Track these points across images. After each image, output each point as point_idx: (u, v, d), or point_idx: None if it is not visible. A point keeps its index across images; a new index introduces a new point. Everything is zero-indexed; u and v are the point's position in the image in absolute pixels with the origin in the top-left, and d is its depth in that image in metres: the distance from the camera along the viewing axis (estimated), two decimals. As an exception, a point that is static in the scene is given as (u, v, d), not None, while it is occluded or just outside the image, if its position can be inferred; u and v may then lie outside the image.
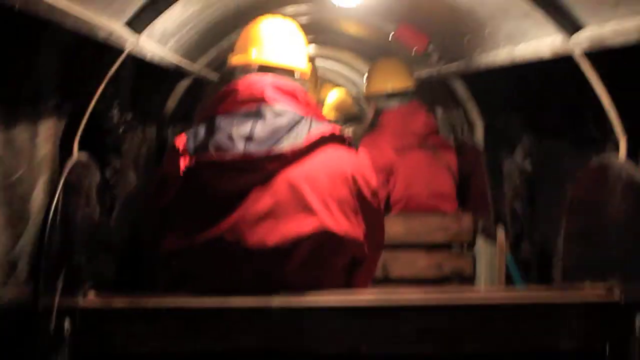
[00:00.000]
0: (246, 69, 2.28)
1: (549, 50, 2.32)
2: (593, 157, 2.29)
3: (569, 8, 2.09)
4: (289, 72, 2.30)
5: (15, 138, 1.78)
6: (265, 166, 1.98)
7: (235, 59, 2.33)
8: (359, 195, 2.08)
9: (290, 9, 3.92)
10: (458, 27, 3.14)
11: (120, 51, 2.13)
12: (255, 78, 2.18)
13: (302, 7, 3.97)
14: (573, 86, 2.49)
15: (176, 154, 2.07)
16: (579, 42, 2.10)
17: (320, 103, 6.91)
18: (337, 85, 8.60)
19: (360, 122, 6.34)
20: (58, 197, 1.92)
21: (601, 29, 1.96)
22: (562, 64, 2.24)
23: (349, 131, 5.97)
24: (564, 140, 2.84)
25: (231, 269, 1.99)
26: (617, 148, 2.19)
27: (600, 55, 2.09)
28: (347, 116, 6.47)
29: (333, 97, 6.61)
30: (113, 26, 1.91)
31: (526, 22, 2.39)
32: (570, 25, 2.12)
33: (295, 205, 1.97)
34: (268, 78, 2.18)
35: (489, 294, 2.18)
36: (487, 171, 3.76)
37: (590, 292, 2.09)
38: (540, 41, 2.39)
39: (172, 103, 3.72)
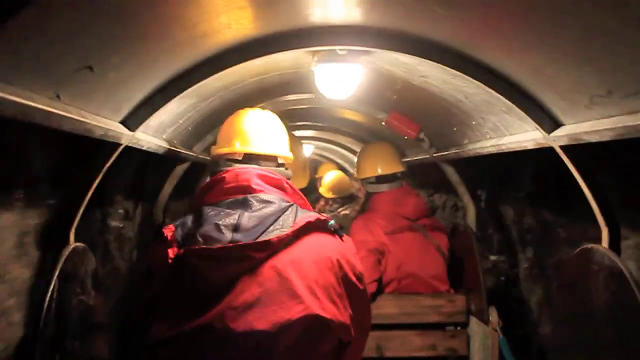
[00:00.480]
0: (231, 159, 2.36)
1: (531, 143, 2.41)
2: (580, 244, 2.36)
3: (547, 107, 2.18)
4: (272, 160, 2.38)
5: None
6: (253, 255, 2.02)
7: (219, 150, 2.40)
8: (344, 279, 2.13)
9: (284, 98, 4.03)
10: (446, 117, 3.24)
11: (117, 145, 2.21)
12: (241, 169, 2.26)
13: (295, 97, 4.08)
14: (558, 175, 2.58)
15: (164, 243, 2.12)
16: (558, 138, 2.19)
17: (318, 182, 6.99)
18: (335, 164, 8.71)
19: (357, 202, 6.40)
20: (53, 286, 1.98)
21: (577, 128, 2.05)
22: (546, 154, 2.33)
23: (348, 212, 6.03)
24: (552, 226, 2.91)
25: (220, 356, 2.01)
26: (600, 236, 2.26)
27: (579, 151, 2.19)
28: (343, 196, 6.54)
29: (330, 177, 6.70)
30: (108, 125, 2.00)
31: (508, 116, 2.49)
32: (550, 121, 2.22)
33: (283, 292, 2.01)
34: (254, 168, 2.26)
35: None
36: (479, 253, 3.80)
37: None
38: (523, 135, 2.48)
39: (169, 187, 3.79)
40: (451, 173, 4.10)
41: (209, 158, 4.11)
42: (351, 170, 8.79)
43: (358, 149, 7.21)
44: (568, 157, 2.25)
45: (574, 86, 1.90)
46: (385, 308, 3.74)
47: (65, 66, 1.49)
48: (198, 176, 4.54)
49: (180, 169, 3.77)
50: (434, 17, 2.02)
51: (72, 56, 1.48)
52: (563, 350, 2.43)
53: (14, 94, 1.30)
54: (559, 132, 2.20)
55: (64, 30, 1.36)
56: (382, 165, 4.19)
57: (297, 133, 6.28)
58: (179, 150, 3.18)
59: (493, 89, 2.29)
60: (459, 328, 3.93)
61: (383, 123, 4.12)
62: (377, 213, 4.05)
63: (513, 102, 2.28)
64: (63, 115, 1.58)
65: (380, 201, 4.10)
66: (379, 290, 3.86)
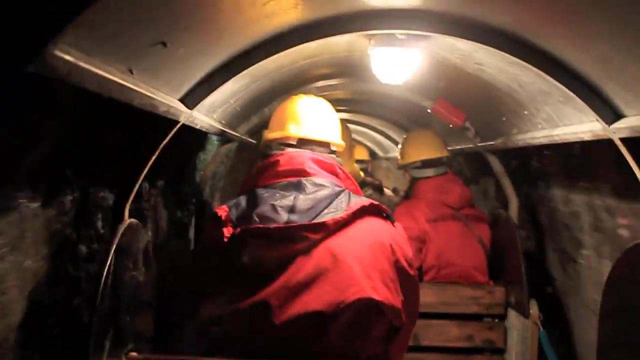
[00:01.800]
0: (284, 143, 2.37)
1: (588, 134, 2.38)
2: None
3: (609, 97, 2.15)
4: (325, 146, 2.39)
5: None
6: (309, 236, 2.03)
7: (273, 134, 2.42)
8: (396, 264, 2.13)
9: (331, 82, 4.02)
10: (496, 106, 3.21)
11: (175, 122, 2.22)
12: (296, 152, 2.27)
13: (341, 80, 4.07)
14: (613, 167, 2.54)
15: (219, 222, 2.13)
16: (619, 130, 2.16)
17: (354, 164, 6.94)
18: (366, 147, 8.67)
19: (370, 186, 6.38)
20: (110, 260, 2.00)
21: (641, 120, 2.02)
22: (602, 145, 2.31)
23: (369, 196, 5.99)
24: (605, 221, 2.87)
25: (274, 335, 2.03)
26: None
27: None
28: (362, 180, 6.50)
29: None
30: (171, 102, 2.01)
31: (565, 106, 2.46)
32: (610, 112, 2.18)
33: (338, 274, 2.01)
34: (308, 152, 2.27)
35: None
36: (521, 245, 3.77)
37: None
38: (580, 126, 2.45)
39: (212, 167, 3.80)
40: (495, 163, 4.06)
41: (252, 140, 4.17)
42: (380, 153, 8.77)
43: (392, 134, 7.24)
44: (628, 149, 2.21)
45: (641, 77, 1.87)
46: (424, 297, 3.68)
47: (141, 41, 1.49)
48: (242, 156, 4.55)
49: (225, 149, 3.78)
50: (498, 2, 2.00)
51: (150, 31, 1.49)
52: (610, 349, 2.39)
53: (95, 66, 1.30)
54: (620, 124, 2.16)
55: (144, 3, 1.37)
56: (427, 149, 4.19)
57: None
58: (227, 130, 3.19)
59: (553, 77, 2.25)
60: (497, 320, 3.91)
61: (429, 110, 4.09)
62: (420, 200, 4.04)
63: (573, 92, 2.24)
64: (135, 90, 1.59)
65: (425, 188, 4.09)
66: (419, 278, 3.85)
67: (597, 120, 2.24)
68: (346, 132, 3.65)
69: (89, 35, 1.25)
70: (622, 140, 2.21)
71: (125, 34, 1.42)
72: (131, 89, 1.56)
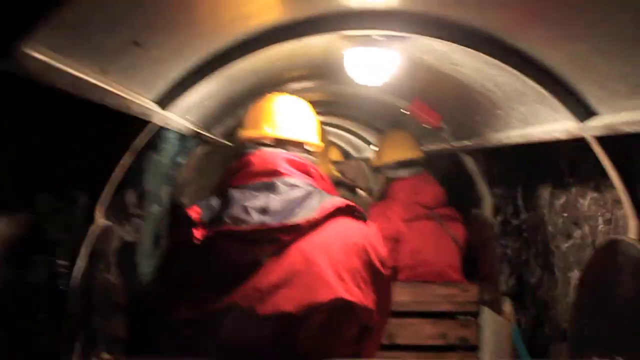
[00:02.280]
0: (258, 143, 2.35)
1: (563, 133, 2.39)
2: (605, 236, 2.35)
3: (583, 95, 2.17)
4: (300, 146, 2.37)
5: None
6: (280, 237, 2.02)
7: (247, 133, 2.39)
8: (369, 265, 2.12)
9: (305, 84, 4.00)
10: (472, 107, 3.22)
11: (147, 123, 2.19)
12: (269, 152, 2.25)
13: (317, 82, 4.06)
14: (586, 166, 2.56)
15: (189, 224, 2.11)
16: (592, 128, 2.18)
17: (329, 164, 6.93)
18: (340, 149, 8.67)
19: (343, 186, 6.38)
20: (82, 262, 1.97)
21: (614, 118, 2.03)
22: (575, 144, 2.32)
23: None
24: (576, 216, 2.89)
25: (244, 336, 2.01)
26: (627, 228, 2.25)
27: (613, 141, 2.17)
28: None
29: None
30: (145, 103, 1.98)
31: (540, 105, 2.47)
32: (584, 111, 2.20)
33: (309, 275, 2.00)
34: (281, 152, 2.25)
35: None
36: (495, 243, 3.80)
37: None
38: (554, 124, 2.46)
39: (187, 170, 3.77)
40: (470, 164, 4.08)
41: (226, 142, 4.14)
42: (355, 155, 8.78)
43: (366, 135, 7.25)
44: (601, 147, 2.23)
45: (616, 75, 1.89)
46: (398, 296, 3.69)
47: (115, 41, 1.47)
48: (215, 159, 4.52)
49: (199, 151, 3.75)
50: (476, 3, 2.00)
51: (122, 30, 1.47)
52: (584, 343, 2.41)
53: (67, 65, 1.28)
54: (593, 122, 2.18)
55: (117, 2, 1.34)
56: (401, 150, 4.21)
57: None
58: (201, 132, 3.16)
59: (528, 77, 2.27)
60: (470, 318, 3.93)
61: (404, 111, 4.10)
62: (395, 200, 4.06)
63: (548, 91, 2.26)
64: (107, 90, 1.56)
65: (399, 188, 4.11)
66: (393, 278, 3.86)
67: (570, 119, 2.26)
68: (322, 133, 3.64)
69: (61, 34, 1.23)
70: (596, 138, 2.22)
71: (98, 34, 1.40)
72: (104, 89, 1.54)
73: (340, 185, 6.31)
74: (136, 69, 1.74)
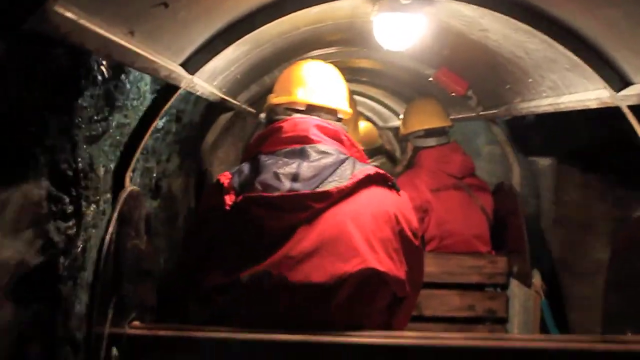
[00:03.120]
0: (290, 108, 2.33)
1: (595, 102, 2.35)
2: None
3: (617, 64, 2.12)
4: (332, 113, 2.35)
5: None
6: (312, 204, 2.01)
7: (278, 99, 2.37)
8: (401, 234, 2.12)
9: (332, 50, 3.97)
10: (499, 74, 3.17)
11: (176, 88, 2.18)
12: (300, 119, 2.23)
13: (343, 48, 4.02)
14: (619, 136, 2.51)
15: (221, 190, 2.11)
16: (627, 97, 2.13)
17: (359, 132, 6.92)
18: (364, 117, 8.63)
19: (384, 154, 6.35)
20: (112, 228, 1.97)
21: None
22: (609, 113, 2.27)
23: (377, 163, 6.00)
24: (606, 189, 2.85)
25: (276, 305, 2.01)
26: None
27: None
28: (371, 148, 6.47)
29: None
30: (172, 67, 1.97)
31: (572, 73, 2.42)
32: (619, 79, 2.15)
33: (341, 244, 2.00)
34: (312, 119, 2.23)
35: (530, 341, 2.17)
36: (524, 214, 3.76)
37: (633, 341, 2.08)
38: (586, 94, 2.41)
39: (211, 136, 3.77)
40: (498, 132, 4.03)
41: (250, 109, 4.13)
42: (380, 123, 8.73)
43: (391, 103, 7.19)
44: (636, 117, 2.18)
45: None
46: (425, 266, 3.70)
47: (142, 1, 1.45)
48: (240, 126, 4.51)
49: (223, 118, 3.74)
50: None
51: (150, -10, 1.45)
52: (616, 317, 2.39)
53: (96, 25, 1.26)
54: (628, 91, 2.13)
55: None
56: (429, 118, 4.17)
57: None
58: (227, 98, 3.15)
59: (560, 43, 2.22)
60: (498, 290, 3.91)
61: (431, 79, 4.05)
62: (422, 169, 4.03)
63: (580, 58, 2.21)
64: (136, 53, 1.55)
65: (427, 157, 4.07)
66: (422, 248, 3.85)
67: (604, 87, 2.21)
68: (352, 101, 3.62)
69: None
70: (630, 107, 2.18)
71: (126, -7, 1.38)
72: (133, 51, 1.52)
73: (382, 152, 6.31)
74: (164, 31, 1.72)
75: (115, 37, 1.39)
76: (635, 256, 2.27)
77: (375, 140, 6.59)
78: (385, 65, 4.89)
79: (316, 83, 2.36)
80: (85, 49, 1.26)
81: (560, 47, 2.24)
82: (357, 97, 8.01)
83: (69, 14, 1.12)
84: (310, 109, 2.32)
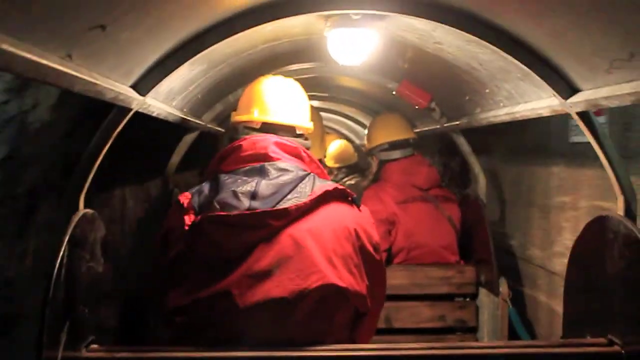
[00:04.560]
0: (249, 127, 2.33)
1: (547, 110, 2.39)
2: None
3: (565, 72, 2.15)
4: (290, 130, 2.35)
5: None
6: (270, 222, 2.00)
7: (238, 117, 2.38)
8: (361, 249, 2.11)
9: (293, 66, 3.98)
10: (459, 86, 3.20)
11: (128, 110, 2.18)
12: (259, 136, 2.23)
13: (305, 65, 4.03)
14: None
15: (180, 210, 2.10)
16: (576, 104, 2.17)
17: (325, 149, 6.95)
18: (340, 135, 8.68)
19: (361, 172, 6.39)
20: (63, 251, 1.96)
21: (596, 93, 2.02)
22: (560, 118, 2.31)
23: (353, 181, 6.02)
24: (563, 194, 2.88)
25: (236, 322, 2.00)
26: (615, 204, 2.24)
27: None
28: (348, 166, 6.51)
29: (335, 146, 6.67)
30: (119, 88, 1.96)
31: (524, 83, 2.46)
32: (567, 87, 2.19)
33: (300, 261, 1.99)
34: (271, 136, 2.23)
35: (493, 347, 2.18)
36: (489, 223, 3.79)
37: (592, 344, 2.11)
38: (539, 102, 2.45)
39: (176, 157, 3.76)
40: (462, 143, 4.06)
41: (217, 128, 4.13)
42: (357, 141, 8.77)
43: (364, 120, 7.24)
44: (584, 123, 2.22)
45: (595, 50, 1.87)
46: (394, 279, 3.72)
47: (78, 24, 1.45)
48: (206, 146, 4.50)
49: (188, 138, 3.74)
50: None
51: (85, 13, 1.44)
52: (576, 321, 2.41)
53: (25, 50, 1.26)
54: (576, 98, 2.17)
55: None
56: (393, 131, 4.19)
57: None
58: (188, 118, 3.14)
59: (510, 54, 2.26)
60: (468, 299, 3.92)
61: (394, 92, 4.08)
62: (388, 183, 4.04)
63: (530, 68, 2.25)
64: (75, 76, 1.55)
65: (392, 170, 4.09)
66: (388, 261, 3.86)
67: (554, 95, 2.25)
68: (316, 118, 3.63)
69: (16, 17, 1.21)
70: (579, 114, 2.21)
71: (60, 17, 1.37)
72: (70, 74, 1.52)
73: (357, 170, 6.33)
74: (106, 53, 1.72)
75: (49, 61, 1.38)
76: (590, 261, 2.29)
77: (351, 157, 6.62)
78: (349, 80, 4.91)
79: (273, 100, 2.36)
80: (14, 72, 1.26)
81: (511, 58, 2.27)
82: (331, 116, 8.06)
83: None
84: (267, 127, 2.32)
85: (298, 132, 2.38)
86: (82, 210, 2.18)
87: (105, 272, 2.33)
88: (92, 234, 2.25)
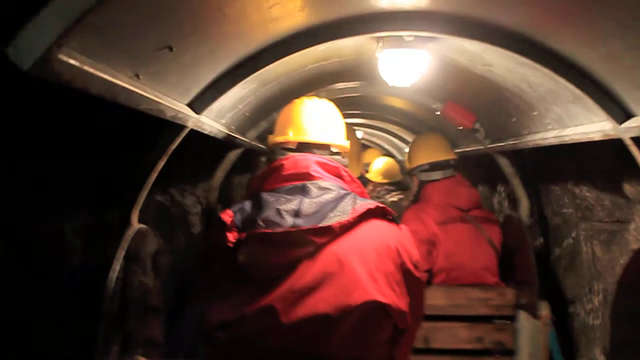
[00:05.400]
0: (286, 147, 2.36)
1: (599, 134, 2.36)
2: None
3: (619, 96, 2.14)
4: (326, 148, 2.37)
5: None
6: (314, 239, 2.02)
7: (276, 139, 2.41)
8: (402, 267, 2.12)
9: (340, 85, 4.01)
10: (505, 107, 3.20)
11: (183, 127, 2.22)
12: (301, 156, 2.25)
13: (350, 84, 4.05)
14: (621, 168, 2.52)
15: (223, 227, 2.13)
16: (630, 129, 2.15)
17: (364, 168, 6.95)
18: (382, 150, 8.67)
19: (404, 190, 6.37)
20: (119, 266, 1.99)
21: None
22: (611, 145, 2.29)
23: (395, 199, 6.00)
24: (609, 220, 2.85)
25: (280, 340, 2.02)
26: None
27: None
28: (392, 182, 6.50)
29: (381, 162, 6.66)
30: (178, 107, 2.00)
31: (575, 106, 2.44)
32: (621, 112, 2.17)
33: (344, 277, 2.01)
34: (313, 156, 2.26)
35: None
36: (531, 246, 3.76)
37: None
38: (590, 126, 2.43)
39: (221, 173, 3.80)
40: (505, 165, 4.04)
41: (261, 145, 4.17)
42: (398, 156, 8.77)
43: (405, 136, 7.24)
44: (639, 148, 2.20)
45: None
46: (433, 299, 3.70)
47: (147, 45, 1.49)
48: (249, 162, 4.55)
49: (233, 155, 3.78)
50: (505, 3, 1.98)
51: (155, 35, 1.48)
52: (623, 349, 2.38)
53: (100, 70, 1.30)
54: (630, 123, 2.15)
55: (150, 6, 1.36)
56: (434, 152, 4.17)
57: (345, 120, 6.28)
58: (235, 135, 3.18)
59: (562, 77, 2.25)
60: (507, 322, 3.89)
61: (438, 112, 4.08)
62: (429, 203, 4.02)
63: (582, 91, 2.23)
64: (142, 95, 1.59)
65: (433, 191, 4.07)
66: (428, 282, 3.84)
67: (607, 119, 2.23)
68: (352, 135, 3.65)
69: (94, 40, 1.25)
70: (633, 139, 2.20)
71: (131, 39, 1.42)
72: (138, 93, 1.56)
73: (401, 187, 6.34)
74: (169, 73, 1.76)
75: (120, 81, 1.42)
76: (635, 289, 2.27)
77: (397, 174, 6.61)
78: (395, 100, 4.92)
79: (307, 121, 2.38)
80: (90, 93, 1.29)
81: (563, 81, 2.26)
82: (374, 131, 8.08)
83: (72, 61, 1.15)
84: (302, 147, 2.35)
85: (333, 149, 2.40)
86: (135, 225, 2.22)
87: (154, 287, 2.37)
88: (144, 249, 2.29)
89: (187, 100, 2.15)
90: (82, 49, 1.20)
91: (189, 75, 1.97)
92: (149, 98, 1.64)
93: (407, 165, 4.41)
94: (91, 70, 1.24)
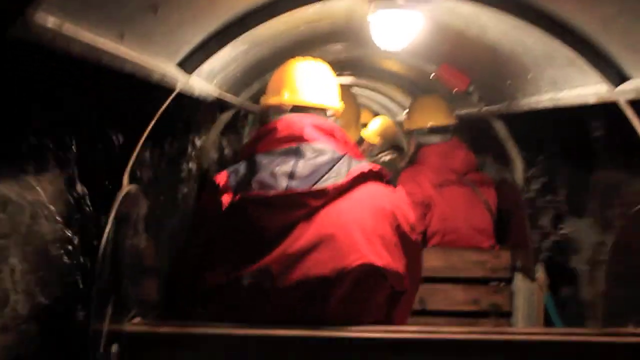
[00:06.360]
0: (280, 109, 2.34)
1: (594, 97, 2.35)
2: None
3: (614, 59, 2.11)
4: (322, 111, 2.36)
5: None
6: (309, 202, 2.02)
7: (269, 100, 2.39)
8: (398, 229, 2.13)
9: (331, 47, 3.97)
10: (500, 70, 3.17)
11: (172, 90, 2.19)
12: (295, 117, 2.24)
13: (342, 45, 4.02)
14: (617, 131, 2.50)
15: (217, 190, 2.12)
16: (625, 92, 2.13)
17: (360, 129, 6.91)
18: (372, 111, 8.60)
19: (398, 150, 6.35)
20: (110, 228, 1.99)
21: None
22: (606, 108, 2.27)
23: (391, 159, 5.98)
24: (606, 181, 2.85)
25: (276, 301, 2.03)
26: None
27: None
28: (390, 143, 6.47)
29: (377, 123, 6.62)
30: (166, 69, 1.98)
31: (570, 69, 2.41)
32: (616, 75, 2.15)
33: (339, 240, 2.01)
34: (307, 118, 2.24)
35: (530, 333, 2.17)
36: (526, 209, 3.76)
37: (633, 334, 2.09)
38: (585, 89, 2.41)
39: (213, 135, 3.78)
40: (500, 128, 4.02)
41: (255, 106, 4.14)
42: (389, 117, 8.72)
43: (399, 97, 7.19)
44: (635, 111, 2.18)
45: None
46: (429, 261, 3.71)
47: (131, 6, 1.46)
48: (242, 124, 4.52)
49: (225, 117, 3.75)
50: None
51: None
52: (618, 311, 2.39)
53: (81, 31, 1.27)
54: (626, 86, 2.12)
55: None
56: (434, 116, 4.16)
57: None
58: (226, 96, 3.16)
59: (558, 39, 2.22)
60: (503, 284, 3.91)
61: (432, 75, 4.05)
62: (425, 166, 4.02)
63: (578, 54, 2.21)
64: (126, 58, 1.56)
65: (429, 154, 4.07)
66: (423, 243, 3.85)
67: (602, 82, 2.21)
68: (350, 98, 3.62)
69: (75, 1, 1.23)
70: (628, 102, 2.18)
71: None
72: (123, 56, 1.53)
73: (395, 147, 6.31)
74: (155, 34, 1.73)
75: (102, 43, 1.39)
76: (636, 249, 2.27)
77: (393, 135, 6.58)
78: (387, 62, 4.88)
79: (302, 83, 2.37)
80: (72, 54, 1.27)
81: (558, 43, 2.24)
82: (361, 90, 7.98)
83: (50, 22, 1.13)
84: (297, 109, 2.33)
85: (328, 113, 2.39)
86: (126, 186, 2.21)
87: (146, 248, 2.36)
88: (136, 210, 2.28)
89: (176, 61, 2.12)
90: (61, 8, 1.17)
91: (177, 37, 1.94)
92: (135, 59, 1.62)
93: (405, 125, 4.39)
94: (70, 31, 1.22)
